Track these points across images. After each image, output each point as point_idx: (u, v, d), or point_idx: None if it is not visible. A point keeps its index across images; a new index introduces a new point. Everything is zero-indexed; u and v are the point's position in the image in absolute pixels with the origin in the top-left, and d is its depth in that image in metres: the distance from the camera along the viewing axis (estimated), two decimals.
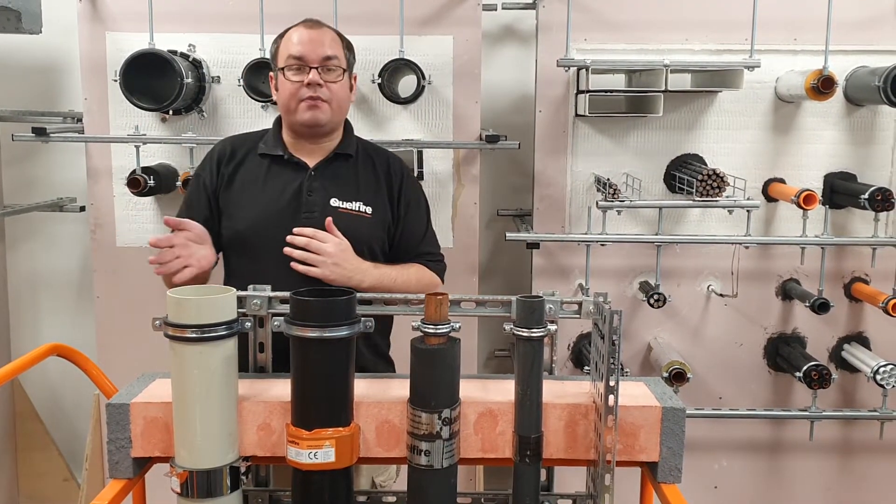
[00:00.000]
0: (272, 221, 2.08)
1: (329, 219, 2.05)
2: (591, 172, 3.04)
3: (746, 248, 2.96)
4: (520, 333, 1.50)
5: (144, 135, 2.89)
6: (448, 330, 1.49)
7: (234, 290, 1.54)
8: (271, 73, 2.17)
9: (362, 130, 2.99)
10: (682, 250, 3.06)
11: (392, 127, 3.02)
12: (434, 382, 1.48)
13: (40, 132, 2.84)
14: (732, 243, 2.92)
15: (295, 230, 2.04)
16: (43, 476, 3.74)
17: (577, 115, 3.00)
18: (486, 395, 1.59)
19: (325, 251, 2.02)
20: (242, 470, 1.54)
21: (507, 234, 2.91)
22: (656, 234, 2.85)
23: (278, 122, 2.21)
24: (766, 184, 3.05)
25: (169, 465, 1.51)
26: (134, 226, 3.06)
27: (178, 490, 1.49)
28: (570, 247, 3.04)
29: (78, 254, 3.73)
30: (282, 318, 1.53)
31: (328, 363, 1.48)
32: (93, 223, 3.07)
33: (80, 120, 3.17)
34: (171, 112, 2.93)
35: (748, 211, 2.76)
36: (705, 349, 3.12)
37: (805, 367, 2.83)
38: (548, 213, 3.07)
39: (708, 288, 3.09)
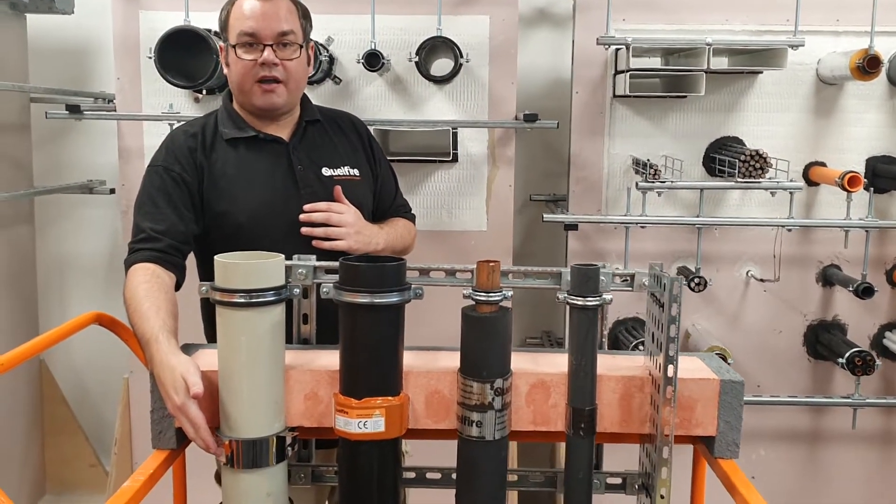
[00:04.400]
0: (274, 206, 1.96)
1: (338, 187, 1.99)
2: (629, 155, 2.99)
3: (789, 230, 2.91)
4: (574, 302, 1.47)
5: (178, 112, 2.86)
6: (500, 298, 1.46)
7: (282, 255, 1.51)
8: (221, 45, 2.01)
9: (397, 111, 2.96)
10: (721, 235, 3.01)
11: (427, 108, 2.99)
12: (486, 351, 1.45)
13: (74, 109, 2.83)
14: (775, 225, 2.87)
15: (306, 207, 1.95)
16: (70, 461, 3.73)
17: (614, 96, 2.96)
18: (538, 367, 1.55)
19: (347, 222, 1.95)
20: (288, 441, 1.51)
21: (545, 216, 2.87)
22: (697, 217, 2.80)
23: (228, 98, 2.06)
24: (807, 167, 2.99)
25: (215, 435, 1.48)
26: None
27: (224, 460, 1.46)
28: (606, 230, 3.00)
29: (107, 238, 3.72)
30: (331, 284, 1.50)
31: (378, 330, 1.45)
32: (124, 204, 3.05)
33: (111, 101, 3.16)
34: (204, 91, 2.90)
35: (791, 193, 2.71)
36: (744, 336, 3.06)
37: (848, 353, 2.77)
38: (584, 196, 3.03)
39: (747, 273, 3.04)
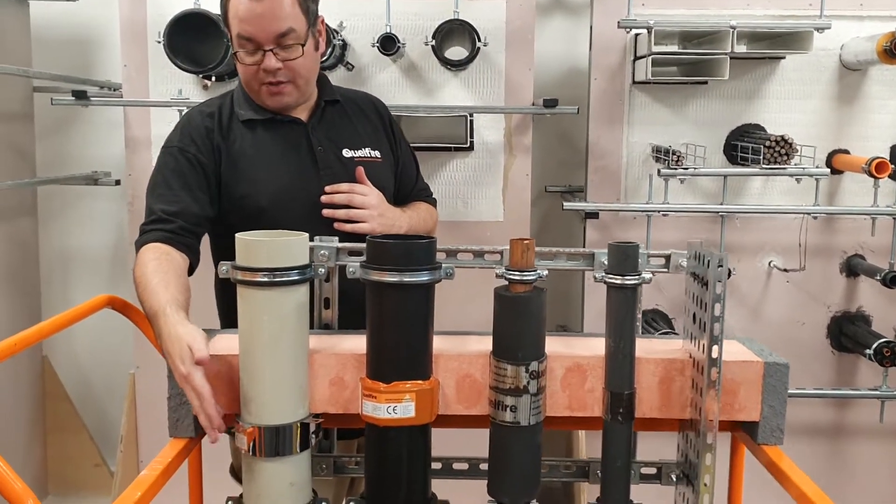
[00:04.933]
0: (294, 188, 1.90)
1: (360, 168, 1.92)
2: (648, 143, 2.94)
3: (815, 218, 2.85)
4: (612, 281, 1.41)
5: (188, 98, 2.80)
6: (535, 278, 1.40)
7: (307, 234, 1.45)
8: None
9: (411, 98, 2.90)
10: (743, 225, 2.95)
11: (442, 95, 2.93)
12: (520, 333, 1.39)
13: (81, 95, 2.77)
14: (801, 213, 2.82)
15: (328, 188, 1.89)
16: (73, 461, 3.66)
17: (634, 82, 2.91)
18: (573, 350, 1.49)
19: (370, 204, 1.89)
20: (312, 428, 1.45)
21: (565, 204, 2.81)
22: (721, 204, 2.75)
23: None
24: (830, 155, 2.94)
25: (235, 422, 1.42)
26: None
27: (246, 448, 1.40)
28: (625, 220, 2.94)
29: (112, 231, 3.66)
30: (357, 263, 1.44)
31: (408, 310, 1.39)
32: (130, 195, 2.99)
33: (117, 90, 3.10)
34: (213, 78, 2.85)
35: (817, 180, 2.65)
36: (766, 328, 3.01)
37: (875, 344, 2.71)
38: (602, 185, 2.97)
39: (769, 264, 2.98)
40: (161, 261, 1.68)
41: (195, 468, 1.55)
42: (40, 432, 3.60)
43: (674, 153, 2.59)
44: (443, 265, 1.43)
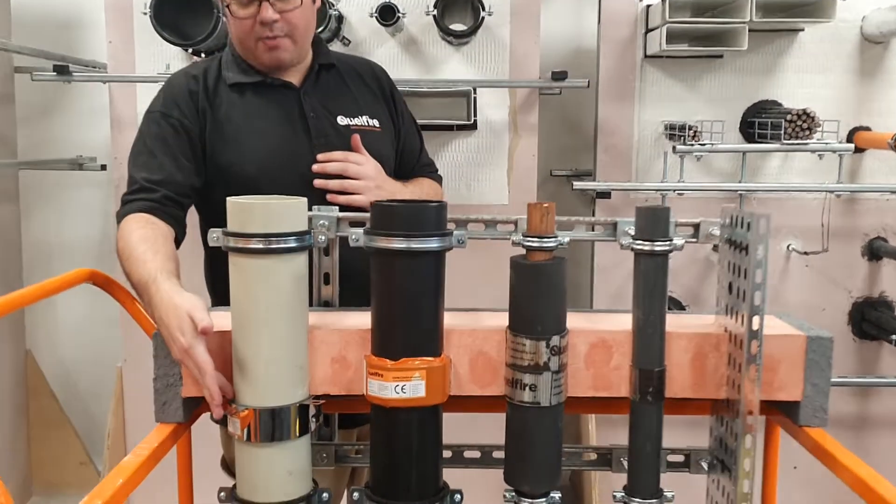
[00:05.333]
0: (284, 156, 1.79)
1: (356, 136, 1.80)
2: (661, 121, 2.83)
3: (838, 196, 2.75)
4: (641, 248, 1.30)
5: None
6: (555, 245, 1.29)
7: (304, 199, 1.34)
8: None
9: (411, 74, 2.79)
10: (761, 206, 2.85)
11: (443, 71, 2.82)
12: (540, 304, 1.28)
13: (63, 70, 2.65)
14: (824, 191, 2.71)
15: (320, 156, 1.77)
16: (58, 459, 3.54)
17: (645, 56, 2.80)
18: (596, 325, 1.38)
19: (366, 174, 1.77)
20: (312, 412, 1.33)
21: (575, 183, 2.71)
22: (739, 182, 2.64)
23: (232, 44, 1.86)
24: (851, 132, 2.83)
25: (228, 406, 1.31)
26: None
27: (240, 433, 1.29)
28: (637, 202, 2.83)
29: (98, 220, 3.54)
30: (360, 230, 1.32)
31: (417, 280, 1.27)
32: (116, 178, 2.87)
33: (102, 69, 2.98)
34: (203, 54, 2.73)
35: (840, 156, 2.55)
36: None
37: None
38: (613, 164, 2.86)
39: (788, 248, 2.87)
40: (146, 229, 1.58)
41: (184, 457, 1.44)
42: (23, 430, 3.48)
43: (690, 128, 2.48)
44: (454, 232, 1.31)
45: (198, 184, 1.77)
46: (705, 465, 1.44)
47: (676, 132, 2.62)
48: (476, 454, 1.53)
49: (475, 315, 1.44)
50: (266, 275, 1.27)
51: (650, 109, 2.85)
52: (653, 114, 2.85)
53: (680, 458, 1.50)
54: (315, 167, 1.77)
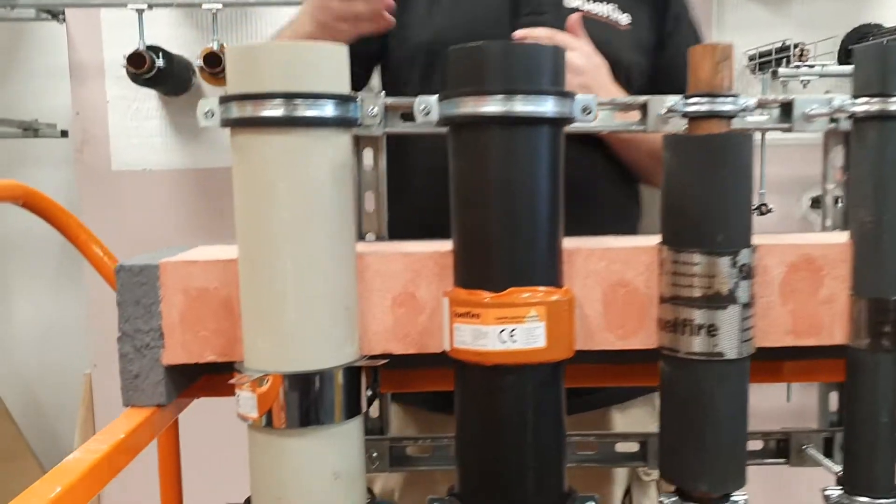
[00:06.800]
0: (475, 26, 1.41)
1: (576, 15, 1.37)
2: (744, 52, 2.44)
3: None
4: (867, 110, 0.88)
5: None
6: (738, 108, 0.87)
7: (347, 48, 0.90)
8: None
9: None
10: None
11: None
12: (719, 199, 0.85)
13: None
14: None
15: (518, 33, 1.34)
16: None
17: None
18: (793, 239, 0.95)
19: (572, 63, 1.29)
20: (366, 384, 0.89)
21: None
22: None
23: None
24: None
25: (235, 372, 0.87)
26: (135, 141, 2.42)
27: (254, 415, 0.85)
28: None
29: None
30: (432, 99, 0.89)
31: (523, 164, 0.84)
32: (79, 140, 2.44)
33: (61, 14, 2.56)
34: None
35: None
36: None
37: None
38: None
39: None
40: None
41: (169, 452, 0.99)
42: None
43: (796, 46, 2.08)
44: (576, 97, 0.88)
45: (373, 49, 1.45)
46: None
47: (773, 55, 2.20)
48: (635, 448, 1.11)
49: (597, 239, 1.01)
50: (292, 160, 0.83)
51: (730, 37, 2.47)
52: (734, 42, 2.45)
53: None
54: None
